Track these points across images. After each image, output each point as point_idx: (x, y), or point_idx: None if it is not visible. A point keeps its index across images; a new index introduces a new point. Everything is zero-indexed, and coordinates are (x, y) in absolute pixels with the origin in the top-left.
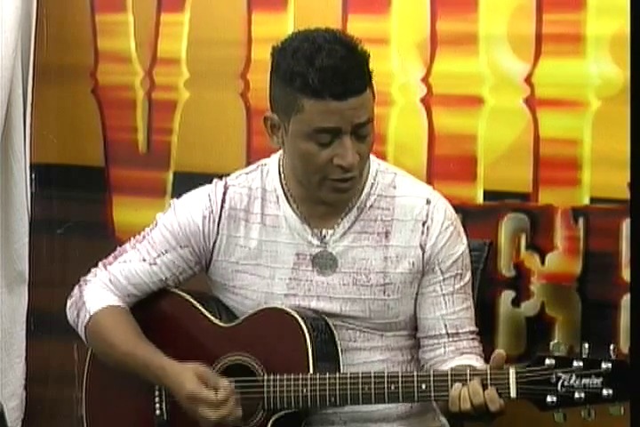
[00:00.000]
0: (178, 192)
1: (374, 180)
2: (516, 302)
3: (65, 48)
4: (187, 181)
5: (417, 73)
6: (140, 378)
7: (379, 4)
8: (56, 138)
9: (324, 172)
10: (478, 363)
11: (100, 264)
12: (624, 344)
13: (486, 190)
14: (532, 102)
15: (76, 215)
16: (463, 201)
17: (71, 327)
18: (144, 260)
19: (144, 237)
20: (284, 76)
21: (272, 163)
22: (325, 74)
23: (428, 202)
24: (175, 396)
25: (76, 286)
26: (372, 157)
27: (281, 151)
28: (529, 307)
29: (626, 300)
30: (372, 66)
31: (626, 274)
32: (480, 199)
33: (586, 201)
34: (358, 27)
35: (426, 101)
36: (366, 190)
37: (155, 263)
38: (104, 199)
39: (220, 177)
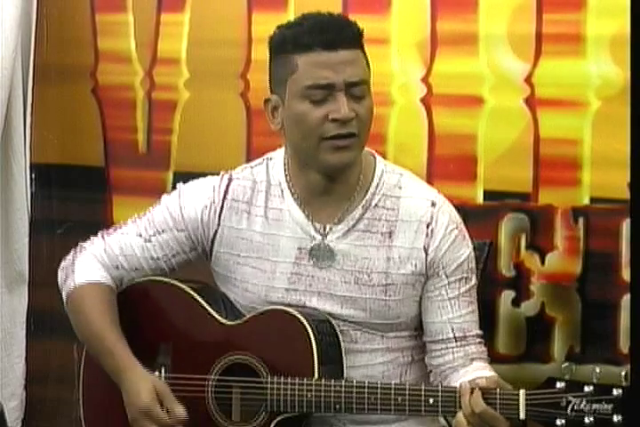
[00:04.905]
0: None
1: (379, 179)
2: (516, 302)
3: (65, 48)
4: (186, 181)
5: (417, 73)
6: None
7: (379, 4)
8: (56, 138)
9: (320, 130)
10: (491, 373)
11: (100, 234)
12: (624, 344)
13: (486, 190)
14: (532, 102)
15: (75, 215)
16: (463, 201)
17: (71, 327)
18: (140, 235)
19: (145, 213)
20: (278, 47)
21: (278, 156)
22: (315, 27)
23: (433, 204)
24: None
25: (72, 251)
26: (378, 157)
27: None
28: (529, 307)
29: (626, 300)
30: (372, 65)
31: (626, 274)
32: (480, 199)
33: (586, 201)
34: None
35: (426, 101)
36: (372, 189)
37: (149, 240)
38: (104, 199)
39: None
